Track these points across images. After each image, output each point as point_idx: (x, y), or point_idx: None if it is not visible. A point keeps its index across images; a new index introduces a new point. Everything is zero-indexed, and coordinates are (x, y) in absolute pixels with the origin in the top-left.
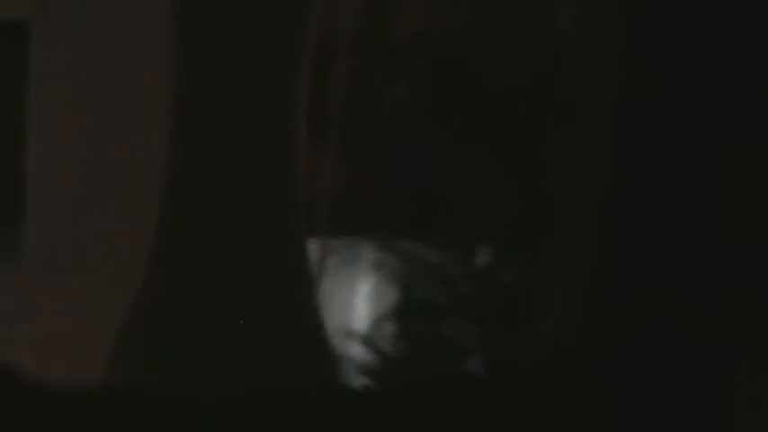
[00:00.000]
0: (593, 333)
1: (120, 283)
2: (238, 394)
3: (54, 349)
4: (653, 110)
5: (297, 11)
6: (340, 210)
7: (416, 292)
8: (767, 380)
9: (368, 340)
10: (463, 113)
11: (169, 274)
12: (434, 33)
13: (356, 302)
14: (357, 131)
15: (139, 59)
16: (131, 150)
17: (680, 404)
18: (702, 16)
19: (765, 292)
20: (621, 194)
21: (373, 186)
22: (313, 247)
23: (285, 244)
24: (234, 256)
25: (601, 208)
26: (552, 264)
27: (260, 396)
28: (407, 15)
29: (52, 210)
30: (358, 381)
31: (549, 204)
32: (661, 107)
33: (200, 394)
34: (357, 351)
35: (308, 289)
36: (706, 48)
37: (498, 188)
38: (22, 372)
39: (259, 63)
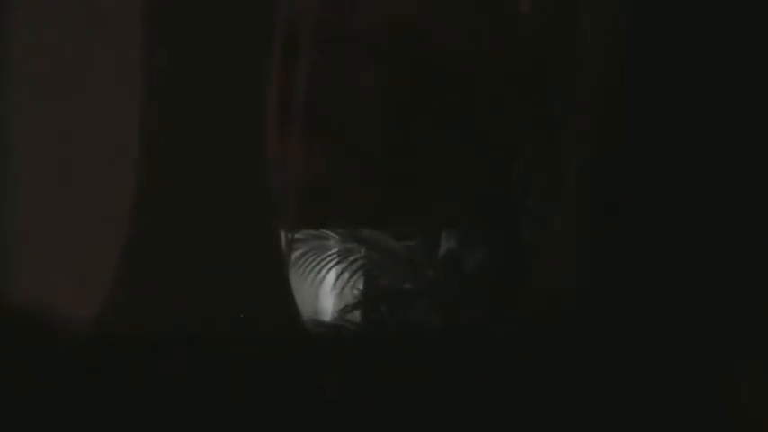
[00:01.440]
0: (570, 325)
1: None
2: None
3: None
4: (645, 103)
5: (266, 6)
6: (306, 199)
7: (382, 280)
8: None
9: (335, 328)
10: (426, 100)
11: (148, 263)
12: (397, 18)
13: (321, 292)
14: (321, 120)
15: (112, 48)
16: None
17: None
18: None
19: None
20: (605, 187)
21: (338, 175)
22: (281, 235)
23: (257, 230)
24: (210, 243)
25: (585, 198)
26: (519, 249)
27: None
28: (369, 1)
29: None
30: (327, 364)
31: (516, 190)
32: (653, 100)
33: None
34: (324, 338)
35: (279, 275)
36: (704, 46)
37: (463, 175)
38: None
39: (229, 52)
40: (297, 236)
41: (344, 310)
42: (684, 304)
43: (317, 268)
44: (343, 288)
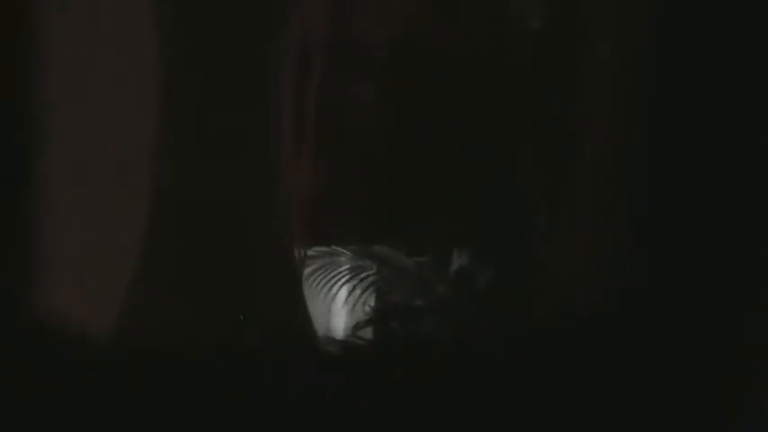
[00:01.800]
0: (580, 335)
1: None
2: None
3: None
4: (649, 107)
5: (274, 14)
6: (317, 215)
7: (394, 296)
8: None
9: (345, 344)
10: (433, 113)
11: (160, 271)
12: (408, 37)
13: (333, 308)
14: (330, 136)
15: (125, 61)
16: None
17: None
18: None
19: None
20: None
21: (351, 194)
22: (292, 252)
23: (269, 246)
24: (219, 255)
25: (594, 207)
26: (529, 264)
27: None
28: (380, 18)
29: None
30: (339, 380)
31: (525, 207)
32: (657, 103)
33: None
34: (336, 353)
35: (291, 290)
36: (708, 48)
37: (474, 191)
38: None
39: (241, 66)
40: (308, 252)
41: (357, 327)
42: (689, 306)
43: (329, 285)
44: (354, 304)
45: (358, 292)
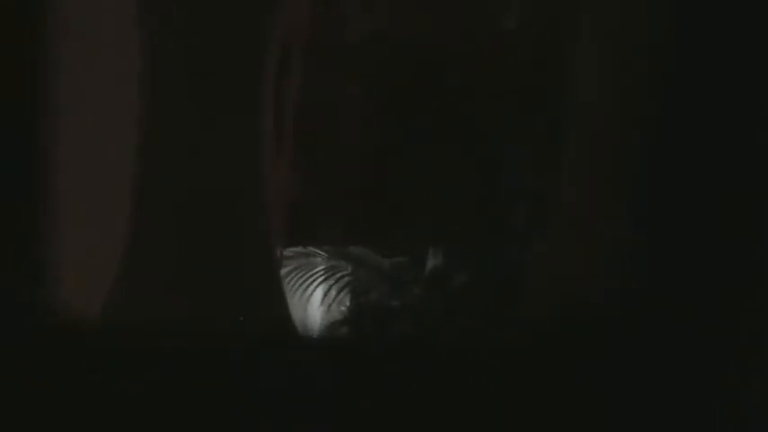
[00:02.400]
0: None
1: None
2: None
3: None
4: (640, 107)
5: (259, 15)
6: (293, 216)
7: (369, 296)
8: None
9: (321, 342)
10: (414, 119)
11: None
12: (391, 33)
13: (309, 309)
14: (309, 137)
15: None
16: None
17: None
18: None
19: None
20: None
21: (325, 195)
22: (269, 254)
23: (250, 245)
24: (203, 253)
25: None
26: (507, 266)
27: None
28: (362, 15)
29: None
30: (311, 382)
31: (502, 208)
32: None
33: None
34: (311, 353)
35: (270, 294)
36: (705, 48)
37: (449, 194)
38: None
39: (225, 64)
40: (285, 252)
41: (332, 327)
42: (688, 305)
43: (305, 285)
44: (330, 305)
45: (333, 292)
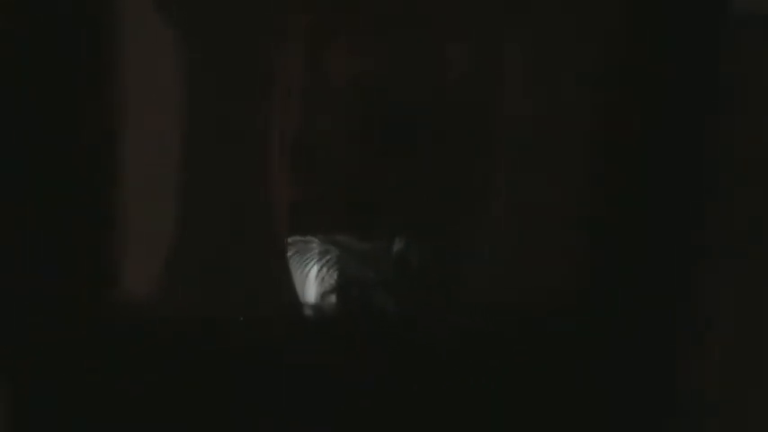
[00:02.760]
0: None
1: None
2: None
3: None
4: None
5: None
6: (294, 214)
7: (351, 272)
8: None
9: (316, 308)
10: (389, 139)
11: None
12: (363, 78)
13: (306, 282)
14: (303, 159)
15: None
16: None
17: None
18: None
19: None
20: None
21: (319, 197)
22: (277, 241)
23: (264, 239)
24: (231, 244)
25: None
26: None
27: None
28: (343, 65)
29: None
30: (310, 337)
31: (450, 207)
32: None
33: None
34: (309, 316)
35: (279, 271)
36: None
37: (412, 197)
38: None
39: (244, 83)
40: (288, 240)
41: (324, 295)
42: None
43: (303, 265)
44: (322, 279)
45: (324, 269)
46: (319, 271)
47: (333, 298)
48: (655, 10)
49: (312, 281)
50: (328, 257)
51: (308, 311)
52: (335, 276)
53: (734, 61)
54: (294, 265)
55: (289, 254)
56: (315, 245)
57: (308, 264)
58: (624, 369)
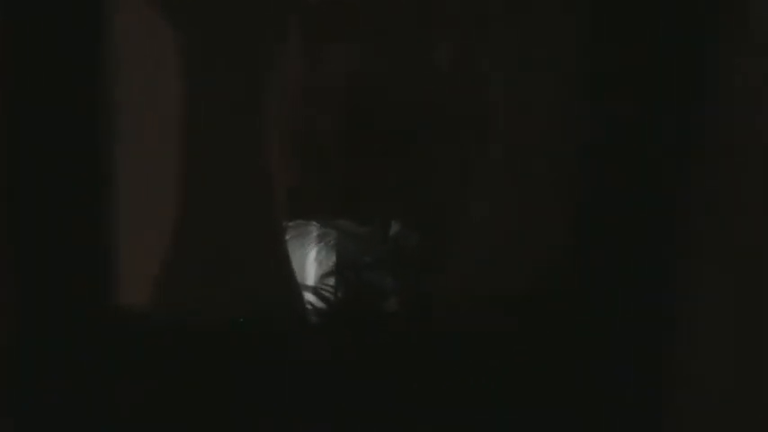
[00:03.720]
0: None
1: None
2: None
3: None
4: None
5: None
6: (295, 198)
7: (349, 254)
8: None
9: (315, 289)
10: (384, 130)
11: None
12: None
13: (307, 264)
14: (305, 147)
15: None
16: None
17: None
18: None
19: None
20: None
21: (317, 182)
22: (277, 225)
23: (263, 222)
24: (226, 233)
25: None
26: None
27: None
28: (334, 62)
29: None
30: (310, 317)
31: (443, 194)
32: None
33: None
34: (309, 297)
35: (279, 255)
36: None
37: (405, 185)
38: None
39: (240, 87)
40: (289, 225)
41: (323, 276)
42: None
43: (303, 247)
44: (321, 261)
45: (324, 252)
46: (318, 254)
47: (331, 280)
48: None
49: (311, 263)
50: (327, 240)
51: (306, 291)
52: (334, 259)
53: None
54: (294, 249)
55: (288, 237)
56: (313, 228)
57: (306, 247)
58: (619, 366)
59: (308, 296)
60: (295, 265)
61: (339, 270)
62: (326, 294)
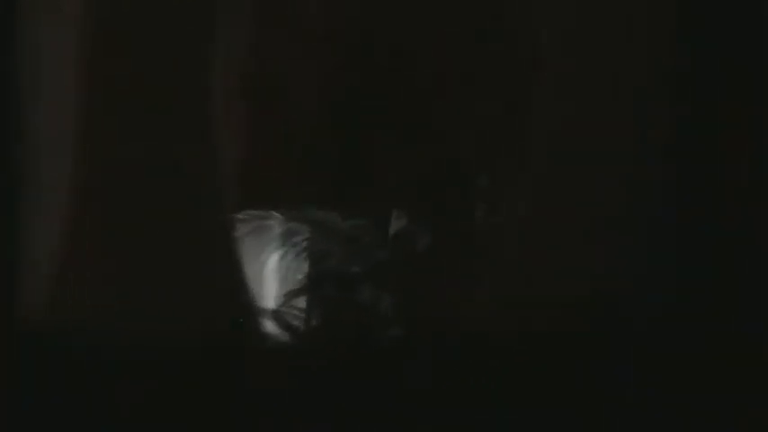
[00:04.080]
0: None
1: None
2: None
3: None
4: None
5: None
6: (249, 178)
7: (327, 261)
8: None
9: (276, 313)
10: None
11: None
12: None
13: (264, 274)
14: (265, 96)
15: None
16: None
17: None
18: None
19: None
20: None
21: (283, 152)
22: (224, 218)
23: (205, 213)
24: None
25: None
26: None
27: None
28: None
29: None
30: (269, 349)
31: (463, 173)
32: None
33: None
34: (265, 323)
35: (227, 256)
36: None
37: (408, 158)
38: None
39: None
40: (238, 216)
41: (288, 295)
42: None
43: (258, 251)
44: (287, 272)
45: (290, 257)
46: (281, 260)
47: (300, 301)
48: None
49: (271, 276)
50: (294, 241)
51: (263, 318)
52: (306, 269)
53: None
54: (246, 253)
55: (238, 236)
56: (275, 222)
57: (263, 251)
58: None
59: (265, 322)
60: (247, 275)
61: (313, 284)
62: (291, 320)
